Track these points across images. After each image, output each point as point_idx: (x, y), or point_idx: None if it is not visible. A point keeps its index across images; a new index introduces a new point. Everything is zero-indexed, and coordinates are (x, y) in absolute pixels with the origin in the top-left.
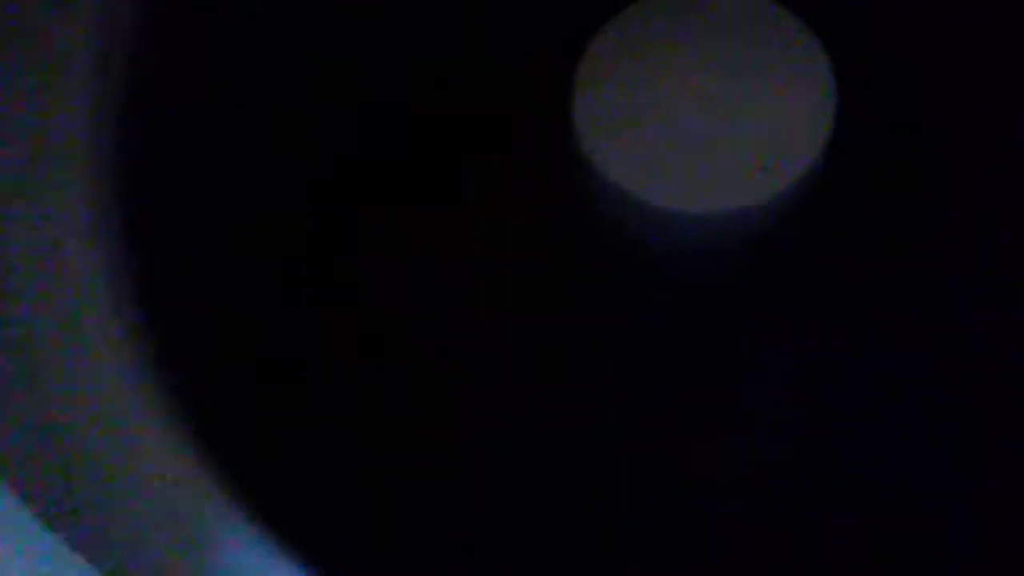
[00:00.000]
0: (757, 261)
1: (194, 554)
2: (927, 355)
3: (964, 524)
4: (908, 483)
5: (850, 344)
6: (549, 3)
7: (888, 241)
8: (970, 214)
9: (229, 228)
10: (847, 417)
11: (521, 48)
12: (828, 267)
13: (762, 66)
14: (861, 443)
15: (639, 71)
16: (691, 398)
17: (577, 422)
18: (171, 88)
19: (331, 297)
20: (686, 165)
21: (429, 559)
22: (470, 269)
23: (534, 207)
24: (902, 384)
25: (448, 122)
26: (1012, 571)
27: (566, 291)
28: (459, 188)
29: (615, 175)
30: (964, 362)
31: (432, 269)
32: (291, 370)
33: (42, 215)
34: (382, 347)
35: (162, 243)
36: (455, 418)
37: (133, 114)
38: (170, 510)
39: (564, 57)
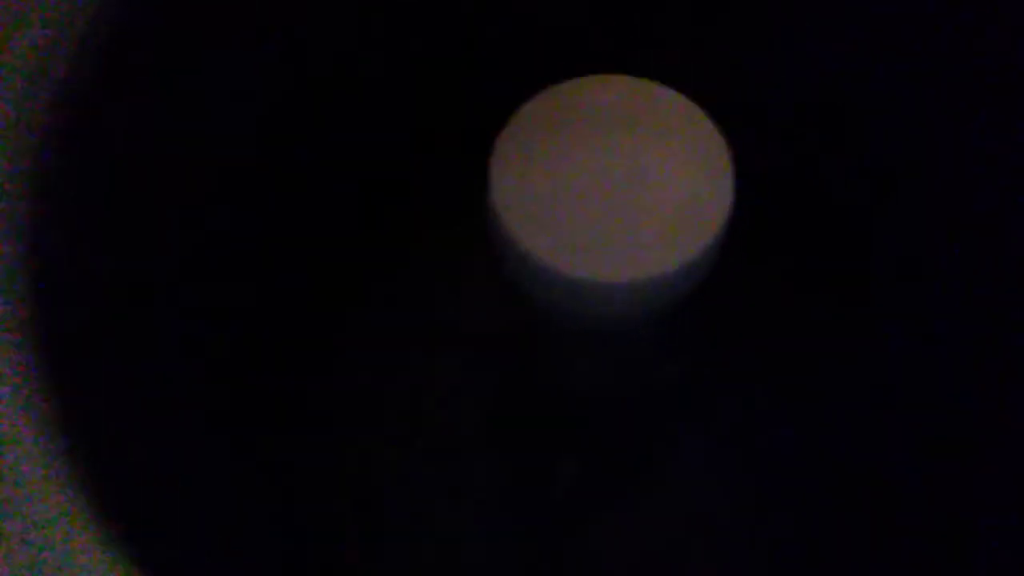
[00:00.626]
0: (673, 332)
1: None
2: (838, 421)
3: None
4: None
5: (762, 414)
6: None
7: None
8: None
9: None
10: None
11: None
12: (745, 337)
13: (665, 146)
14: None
15: (551, 152)
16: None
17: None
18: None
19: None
20: (595, 238)
21: None
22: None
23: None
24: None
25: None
26: None
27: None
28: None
29: (530, 247)
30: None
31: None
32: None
33: None
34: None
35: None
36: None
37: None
38: None
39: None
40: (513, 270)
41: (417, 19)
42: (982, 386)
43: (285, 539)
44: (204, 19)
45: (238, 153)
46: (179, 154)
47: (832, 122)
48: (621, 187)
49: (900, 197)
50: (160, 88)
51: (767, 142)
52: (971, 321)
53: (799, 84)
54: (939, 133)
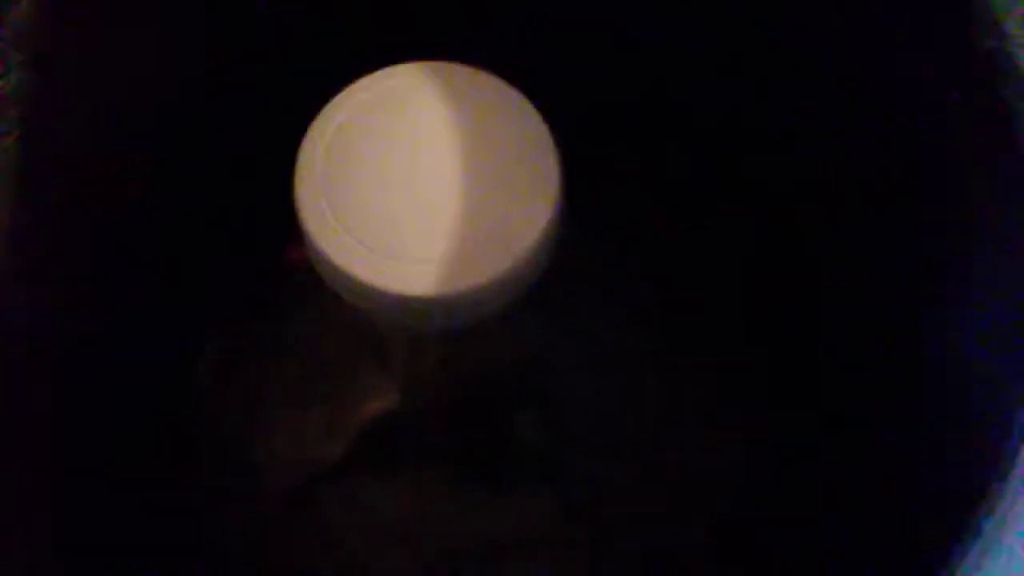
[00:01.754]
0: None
1: None
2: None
3: None
4: None
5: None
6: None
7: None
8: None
9: None
10: None
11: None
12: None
13: (485, 139)
14: None
15: (362, 147)
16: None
17: None
18: None
19: None
20: (411, 247)
21: None
22: None
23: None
24: None
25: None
26: None
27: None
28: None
29: (329, 251)
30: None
31: None
32: None
33: None
34: None
35: None
36: None
37: None
38: None
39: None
40: (323, 273)
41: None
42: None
43: None
44: None
45: None
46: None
47: (660, 103)
48: (436, 186)
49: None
50: None
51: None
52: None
53: (625, 66)
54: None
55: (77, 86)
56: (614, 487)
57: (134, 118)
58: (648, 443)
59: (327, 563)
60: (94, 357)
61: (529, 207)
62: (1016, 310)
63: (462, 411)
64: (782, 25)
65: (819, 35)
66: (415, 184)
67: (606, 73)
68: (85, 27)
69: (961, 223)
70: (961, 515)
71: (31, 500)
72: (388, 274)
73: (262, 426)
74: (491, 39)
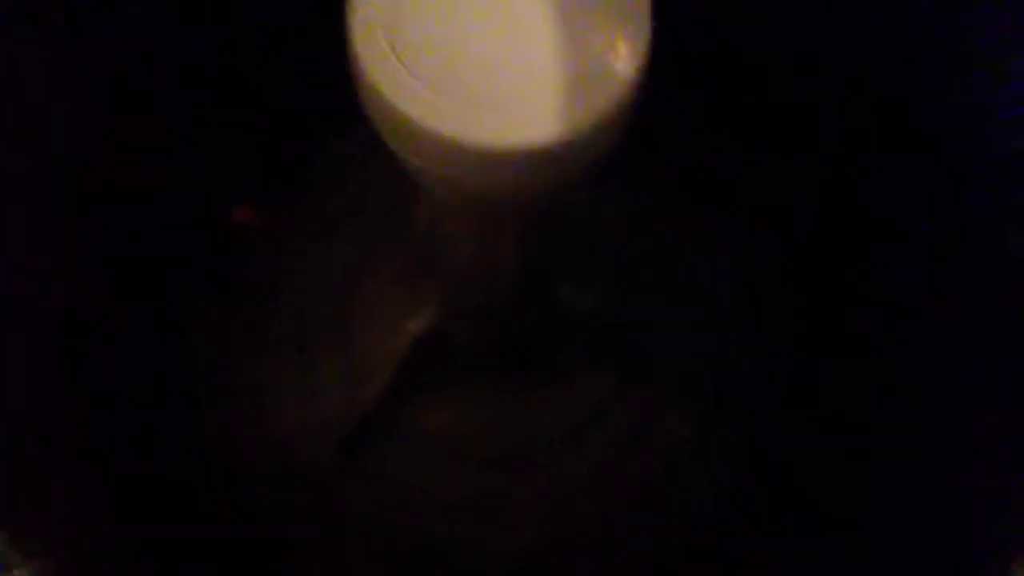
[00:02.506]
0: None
1: None
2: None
3: None
4: None
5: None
6: None
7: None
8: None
9: None
10: None
11: None
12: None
13: None
14: None
15: None
16: None
17: None
18: None
19: None
20: (476, 92)
21: None
22: None
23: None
24: None
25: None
26: None
27: None
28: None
29: (394, 99)
30: None
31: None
32: None
33: None
34: None
35: None
36: None
37: None
38: None
39: None
40: (382, 131)
41: None
42: None
43: None
44: None
45: None
46: None
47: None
48: (521, 21)
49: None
50: None
51: None
52: None
53: None
54: None
55: None
56: (667, 350)
57: None
58: (700, 311)
59: (383, 496)
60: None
61: (620, 50)
62: None
63: (516, 296)
64: None
65: None
66: (496, 17)
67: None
68: None
69: None
70: None
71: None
72: (478, 125)
73: (292, 383)
74: None
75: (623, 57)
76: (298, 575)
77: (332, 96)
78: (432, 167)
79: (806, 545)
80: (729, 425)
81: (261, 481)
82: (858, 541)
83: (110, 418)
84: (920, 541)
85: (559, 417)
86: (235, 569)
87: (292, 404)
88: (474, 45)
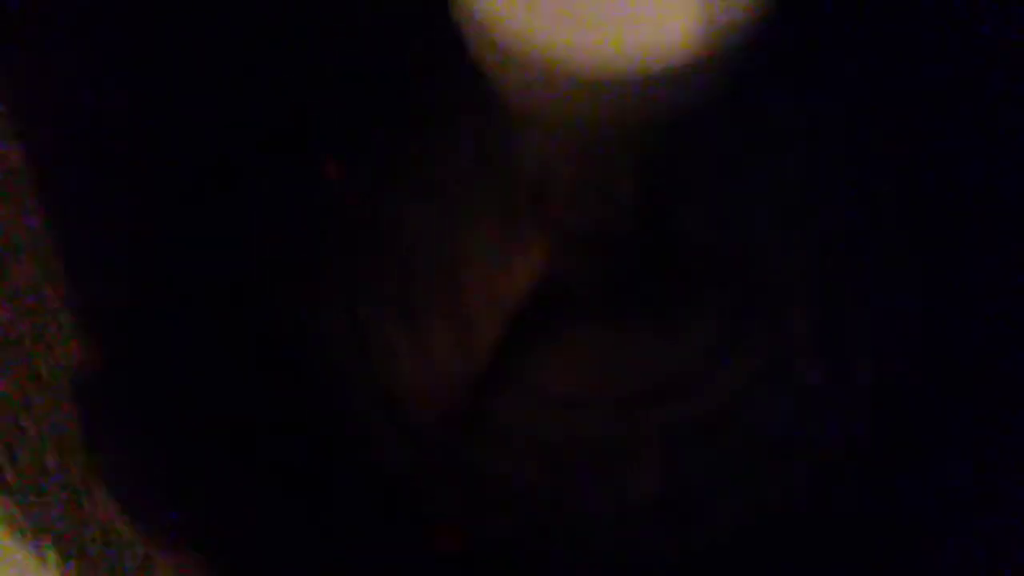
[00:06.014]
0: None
1: None
2: None
3: None
4: None
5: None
6: None
7: None
8: None
9: None
10: None
11: None
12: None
13: None
14: None
15: None
16: None
17: None
18: None
19: None
20: (584, 16)
21: None
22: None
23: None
24: None
25: None
26: None
27: None
28: None
29: (499, 26)
30: None
31: None
32: None
33: None
34: None
35: None
36: None
37: None
38: None
39: None
40: (486, 61)
41: None
42: None
43: None
44: None
45: None
46: None
47: None
48: None
49: None
50: None
51: None
52: None
53: None
54: None
55: None
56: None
57: None
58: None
59: (502, 452)
60: None
61: None
62: None
63: (631, 234)
64: None
65: None
66: None
67: None
68: None
69: None
70: None
71: None
72: (604, 48)
73: (401, 348)
74: None
75: None
76: (423, 532)
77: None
78: (545, 102)
79: (940, 498)
80: (861, 372)
81: (376, 443)
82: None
83: (217, 378)
84: None
85: (679, 359)
86: (357, 526)
87: (405, 366)
88: None
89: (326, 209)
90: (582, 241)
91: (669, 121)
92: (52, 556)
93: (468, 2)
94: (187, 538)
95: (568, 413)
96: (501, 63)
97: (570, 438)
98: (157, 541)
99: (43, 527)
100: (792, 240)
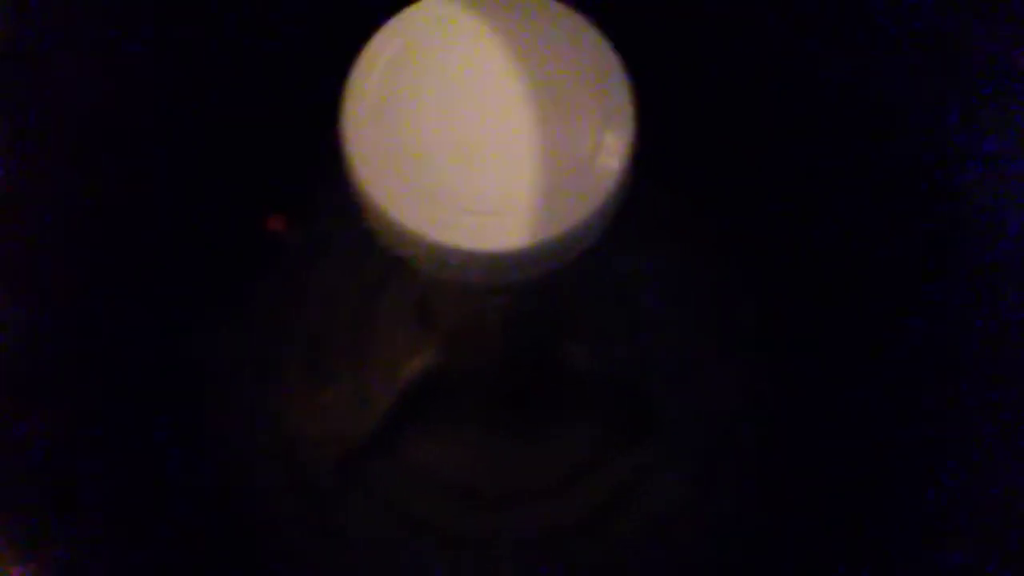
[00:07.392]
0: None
1: None
2: None
3: None
4: None
5: None
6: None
7: None
8: None
9: None
10: None
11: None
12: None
13: (552, 77)
14: None
15: (415, 87)
16: None
17: None
18: None
19: None
20: (483, 197)
21: None
22: None
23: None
24: None
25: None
26: None
27: None
28: None
29: (395, 213)
30: None
31: None
32: None
33: None
34: None
35: None
36: None
37: None
38: None
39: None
40: (375, 228)
41: None
42: None
43: None
44: None
45: None
46: None
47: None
48: (504, 125)
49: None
50: None
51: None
52: None
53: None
54: None
55: None
56: (668, 406)
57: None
58: (697, 376)
59: (378, 526)
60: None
61: (605, 143)
62: None
63: (508, 357)
64: None
65: None
66: (480, 124)
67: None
68: None
69: None
70: None
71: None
72: (461, 229)
73: (300, 396)
74: None
75: (610, 151)
76: None
77: None
78: (415, 260)
79: None
80: (727, 486)
81: (260, 491)
82: None
83: (112, 425)
84: None
85: (552, 464)
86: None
87: (298, 417)
88: (461, 148)
89: (255, 262)
90: (461, 356)
91: (536, 282)
92: None
93: (352, 168)
94: None
95: (442, 496)
96: (378, 227)
97: (440, 518)
98: None
99: None
100: (674, 365)
